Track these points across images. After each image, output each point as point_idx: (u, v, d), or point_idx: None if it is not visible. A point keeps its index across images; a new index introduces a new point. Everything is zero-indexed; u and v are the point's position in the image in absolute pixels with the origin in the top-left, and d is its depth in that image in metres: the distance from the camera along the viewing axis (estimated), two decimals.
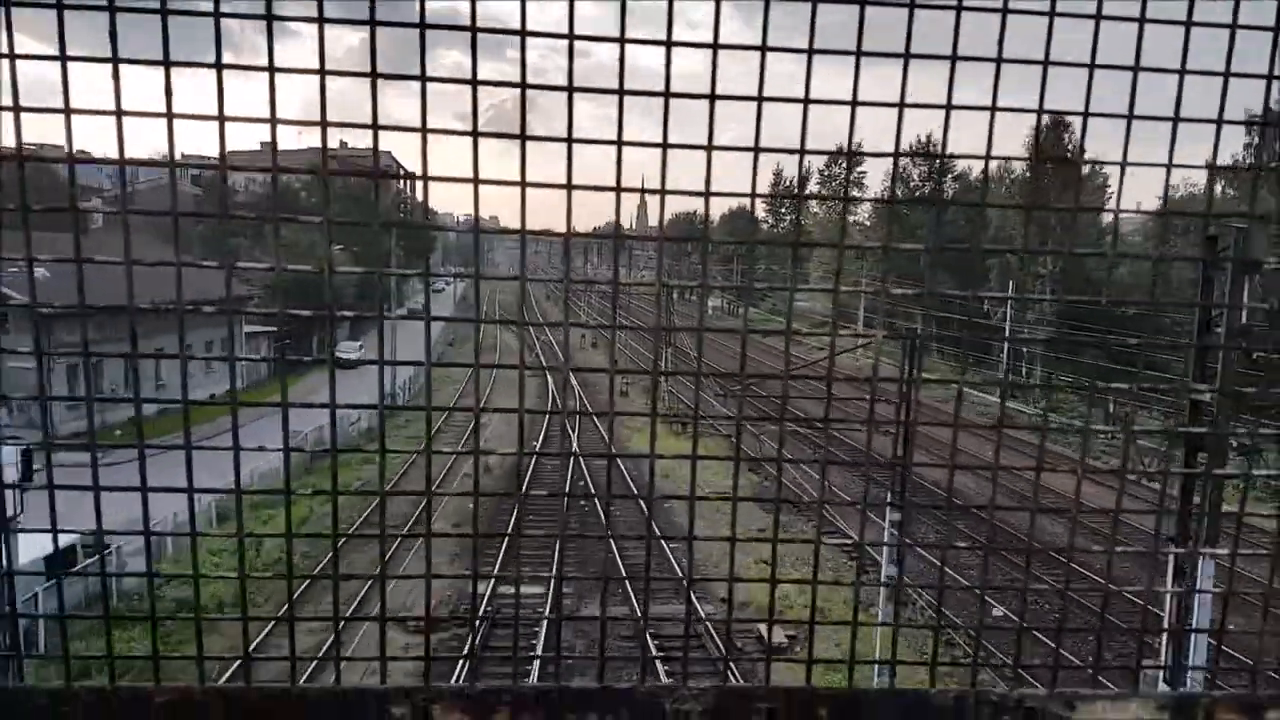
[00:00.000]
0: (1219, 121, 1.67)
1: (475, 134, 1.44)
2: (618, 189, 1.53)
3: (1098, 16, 1.60)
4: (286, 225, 1.76)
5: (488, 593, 27.91)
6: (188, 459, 1.54)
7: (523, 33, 1.47)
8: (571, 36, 1.51)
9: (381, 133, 1.61)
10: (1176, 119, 1.66)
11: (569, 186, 1.52)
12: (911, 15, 1.50)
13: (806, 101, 1.46)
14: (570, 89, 1.48)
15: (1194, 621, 11.20)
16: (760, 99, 1.47)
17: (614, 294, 1.63)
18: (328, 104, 1.66)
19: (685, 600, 1.86)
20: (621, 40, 1.42)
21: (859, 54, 1.49)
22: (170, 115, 1.57)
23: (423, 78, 1.43)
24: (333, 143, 2.20)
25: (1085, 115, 1.64)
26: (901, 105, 1.51)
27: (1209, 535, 12.64)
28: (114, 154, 1.61)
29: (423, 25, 1.44)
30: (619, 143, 1.50)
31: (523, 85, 1.47)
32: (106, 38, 1.54)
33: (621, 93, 1.46)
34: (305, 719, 1.49)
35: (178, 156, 1.65)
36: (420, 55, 1.45)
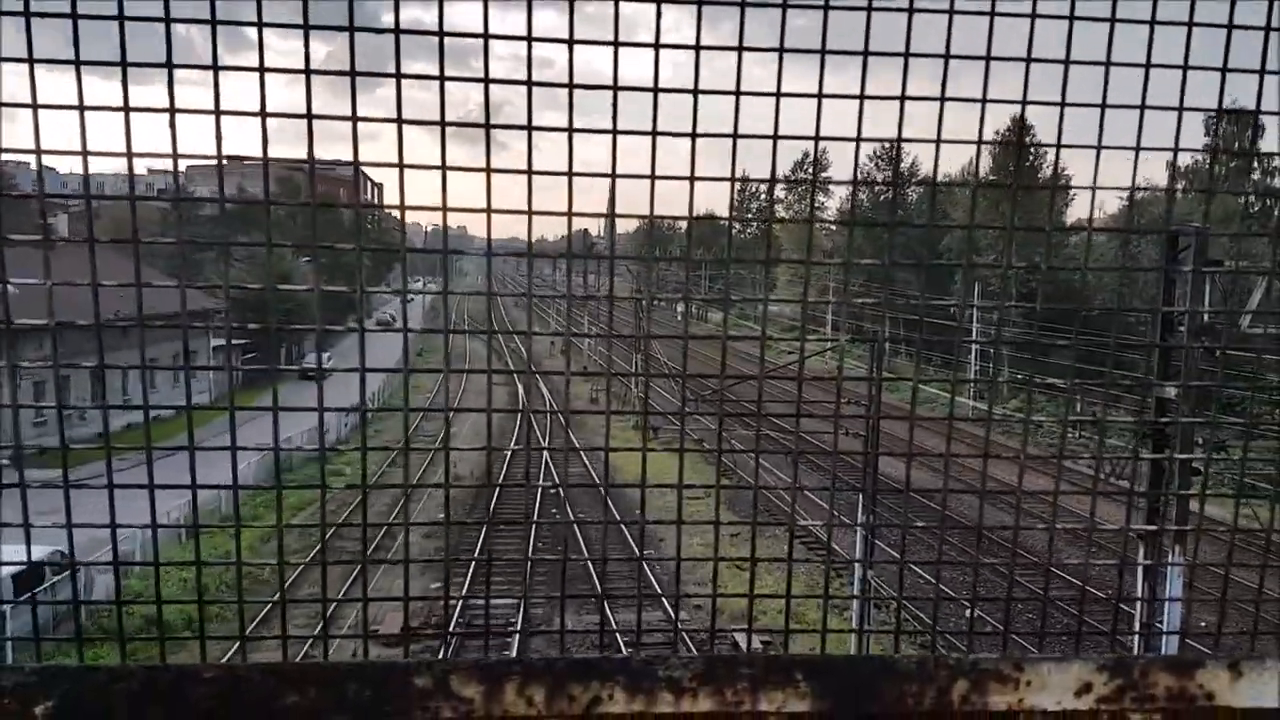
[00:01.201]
0: (1174, 150, 1.89)
1: (489, 170, 1.62)
2: (610, 215, 1.73)
3: (1068, 61, 1.81)
4: (251, 233, 1.94)
5: (464, 588, 27.95)
6: (233, 458, 1.71)
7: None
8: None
9: (349, 145, 1.81)
10: (1138, 148, 1.87)
11: (569, 213, 1.71)
12: (865, 62, 1.71)
13: (776, 138, 1.66)
14: (576, 132, 1.67)
15: (1167, 589, 11.50)
16: (735, 136, 1.67)
17: (609, 308, 1.82)
18: (292, 118, 1.84)
19: (675, 581, 2.04)
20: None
21: (820, 96, 1.69)
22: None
23: (442, 122, 1.61)
24: (299, 153, 2.37)
25: (1058, 147, 1.85)
26: (858, 140, 1.71)
27: (1177, 516, 13.01)
28: (77, 165, 1.80)
29: (443, 77, 1.63)
30: (612, 175, 1.69)
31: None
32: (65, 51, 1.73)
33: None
34: (339, 689, 1.67)
35: (143, 170, 1.84)
36: (440, 104, 1.63)
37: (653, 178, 1.69)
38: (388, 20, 2.15)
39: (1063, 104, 1.93)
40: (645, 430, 1.97)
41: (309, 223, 1.84)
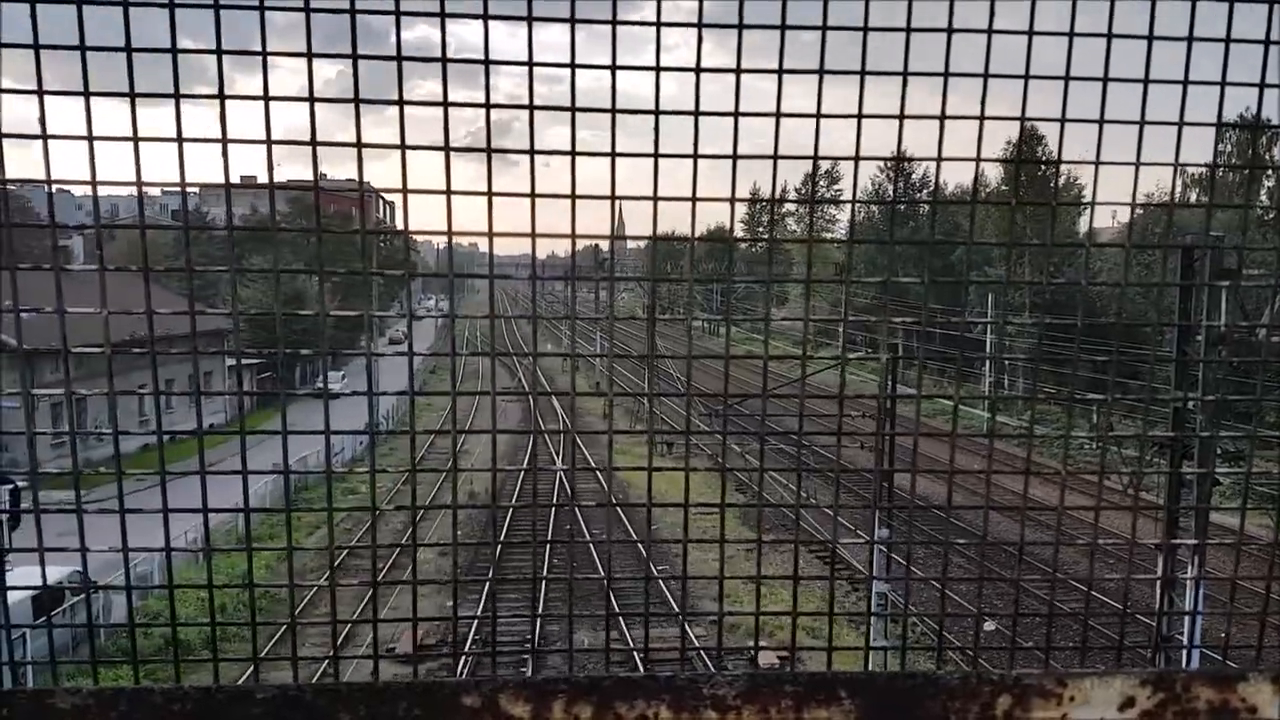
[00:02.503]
0: (1175, 165, 1.90)
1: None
2: (612, 234, 1.75)
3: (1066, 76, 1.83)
4: (266, 253, 1.98)
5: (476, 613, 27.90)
6: (244, 481, 1.74)
7: (487, 105, 1.70)
8: (574, 110, 1.73)
9: (360, 161, 1.84)
10: (1138, 164, 1.88)
11: (574, 234, 1.74)
12: (863, 81, 1.73)
13: (775, 158, 1.69)
14: (575, 155, 1.70)
15: (1187, 603, 11.42)
16: (734, 156, 1.70)
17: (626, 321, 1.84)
18: (298, 145, 1.86)
19: (719, 596, 2.06)
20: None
21: (818, 116, 1.72)
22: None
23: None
24: (311, 173, 2.41)
25: (1058, 163, 1.86)
26: (857, 159, 1.73)
27: (1196, 528, 12.93)
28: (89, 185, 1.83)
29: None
30: (655, 199, 1.72)
31: (532, 151, 1.69)
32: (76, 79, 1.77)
33: (613, 155, 1.69)
34: (390, 708, 1.69)
35: (156, 191, 1.87)
36: (444, 130, 1.66)
37: (655, 199, 1.72)
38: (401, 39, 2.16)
39: (1063, 119, 1.95)
40: (688, 450, 1.99)
41: (323, 242, 1.86)
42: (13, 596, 2.47)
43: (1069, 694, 1.82)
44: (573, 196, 1.68)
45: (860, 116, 1.73)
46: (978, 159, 1.83)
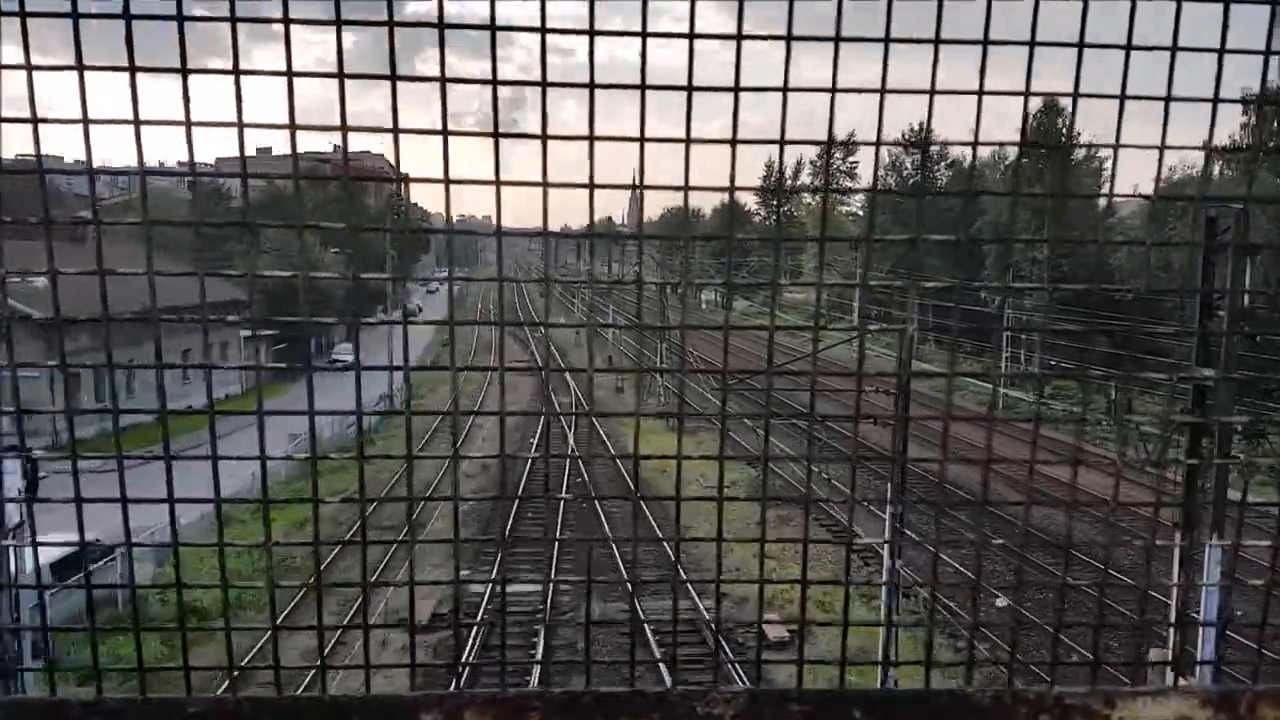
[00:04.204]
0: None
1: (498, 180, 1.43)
2: (610, 185, 1.53)
3: None
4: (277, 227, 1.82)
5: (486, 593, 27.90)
6: (214, 467, 1.53)
7: (492, 80, 1.48)
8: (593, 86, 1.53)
9: (370, 134, 1.65)
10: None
11: (592, 188, 1.51)
12: (886, 50, 1.46)
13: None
14: (592, 145, 1.48)
15: (1201, 611, 11.17)
16: (734, 142, 1.48)
17: (635, 293, 1.62)
18: (320, 105, 1.69)
19: (715, 597, 1.84)
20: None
21: (833, 90, 1.47)
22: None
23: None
24: (325, 145, 2.22)
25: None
26: (883, 91, 1.48)
27: (1214, 522, 12.63)
28: (108, 161, 1.65)
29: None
30: (638, 186, 1.49)
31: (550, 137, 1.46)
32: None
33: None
34: None
35: (171, 163, 1.68)
36: (412, 69, 1.43)
37: (640, 153, 1.48)
38: (411, 10, 1.99)
39: (1123, 97, 1.70)
40: (679, 437, 1.78)
41: (336, 214, 1.69)
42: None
43: (1117, 715, 1.60)
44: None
45: (883, 91, 1.47)
46: (1022, 144, 1.59)
